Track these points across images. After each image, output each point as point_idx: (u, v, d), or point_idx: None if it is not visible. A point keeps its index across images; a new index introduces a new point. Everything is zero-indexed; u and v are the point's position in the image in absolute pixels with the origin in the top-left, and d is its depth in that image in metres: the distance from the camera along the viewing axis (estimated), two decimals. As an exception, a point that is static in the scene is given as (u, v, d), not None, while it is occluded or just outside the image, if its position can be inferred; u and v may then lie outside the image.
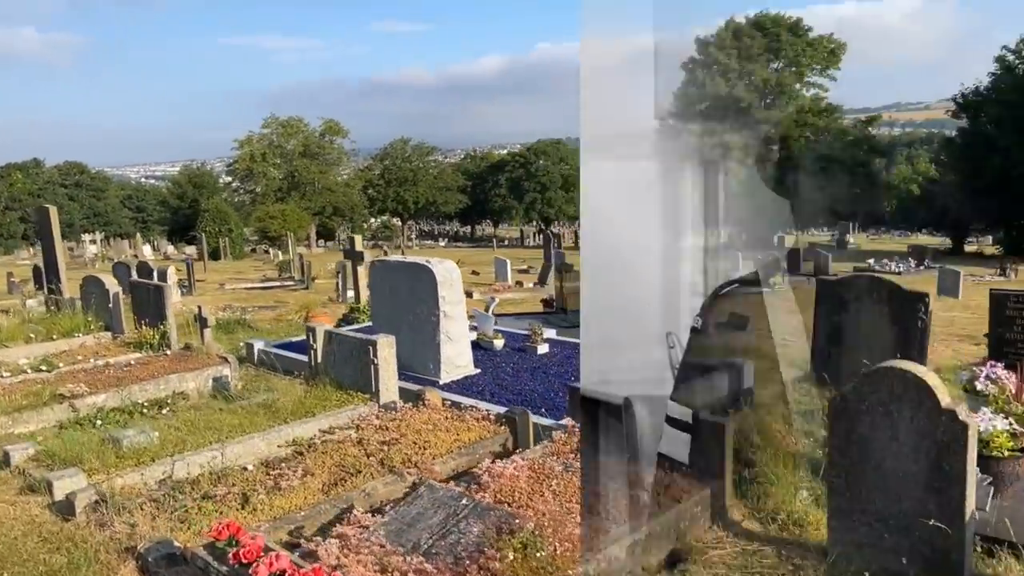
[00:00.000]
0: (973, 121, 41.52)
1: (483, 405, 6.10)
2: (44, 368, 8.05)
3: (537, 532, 3.55)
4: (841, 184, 45.38)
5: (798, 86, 47.14)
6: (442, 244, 64.49)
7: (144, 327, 9.19)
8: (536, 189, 72.00)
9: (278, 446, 5.72)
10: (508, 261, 22.40)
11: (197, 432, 6.07)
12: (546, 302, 14.41)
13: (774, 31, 46.80)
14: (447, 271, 7.45)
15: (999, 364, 5.45)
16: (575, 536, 3.57)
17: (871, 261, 29.53)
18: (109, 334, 9.95)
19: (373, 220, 69.67)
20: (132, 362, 8.20)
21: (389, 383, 6.33)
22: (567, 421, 5.11)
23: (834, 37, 47.91)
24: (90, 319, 10.06)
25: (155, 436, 5.88)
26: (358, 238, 11.31)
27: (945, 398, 3.42)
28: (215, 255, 40.08)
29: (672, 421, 4.48)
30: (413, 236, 63.74)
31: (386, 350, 6.24)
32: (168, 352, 8.56)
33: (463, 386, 7.32)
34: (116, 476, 4.99)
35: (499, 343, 8.46)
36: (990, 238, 44.62)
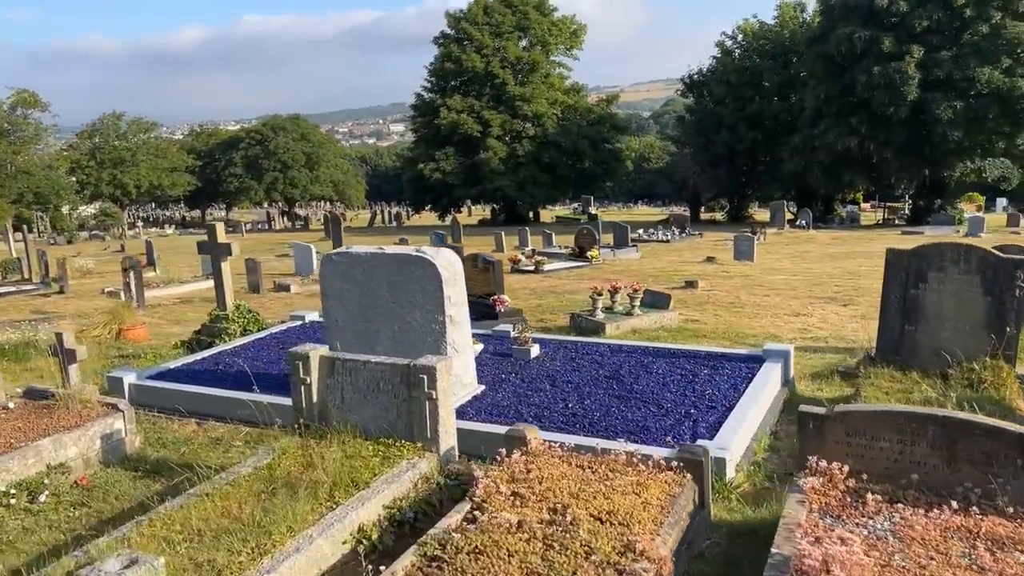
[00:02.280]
0: (698, 100, 46.02)
1: (589, 441, 4.66)
2: None
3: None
4: (590, 159, 47.91)
5: (547, 64, 48.57)
6: (170, 231, 57.49)
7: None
8: (277, 168, 67.04)
9: (342, 542, 3.81)
10: (312, 247, 19.91)
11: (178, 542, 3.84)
12: None
13: (522, 9, 47.73)
14: (450, 263, 5.70)
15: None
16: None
17: (640, 232, 31.15)
18: None
19: (85, 207, 59.99)
20: (-46, 428, 5.34)
21: (448, 424, 4.57)
22: (722, 450, 3.90)
23: (575, 19, 50.05)
24: None
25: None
26: (219, 226, 8.78)
27: None
28: None
29: None
30: (139, 224, 56.03)
31: (444, 378, 4.48)
32: (6, 405, 5.74)
33: (482, 410, 5.71)
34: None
35: (477, 348, 6.86)
36: (723, 206, 49.82)
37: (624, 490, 3.75)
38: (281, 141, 66.94)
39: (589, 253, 20.87)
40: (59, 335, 5.72)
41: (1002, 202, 43.09)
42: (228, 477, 4.32)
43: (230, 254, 8.60)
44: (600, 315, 9.55)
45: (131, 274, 13.59)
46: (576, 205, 57.77)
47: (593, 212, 53.00)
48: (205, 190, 68.24)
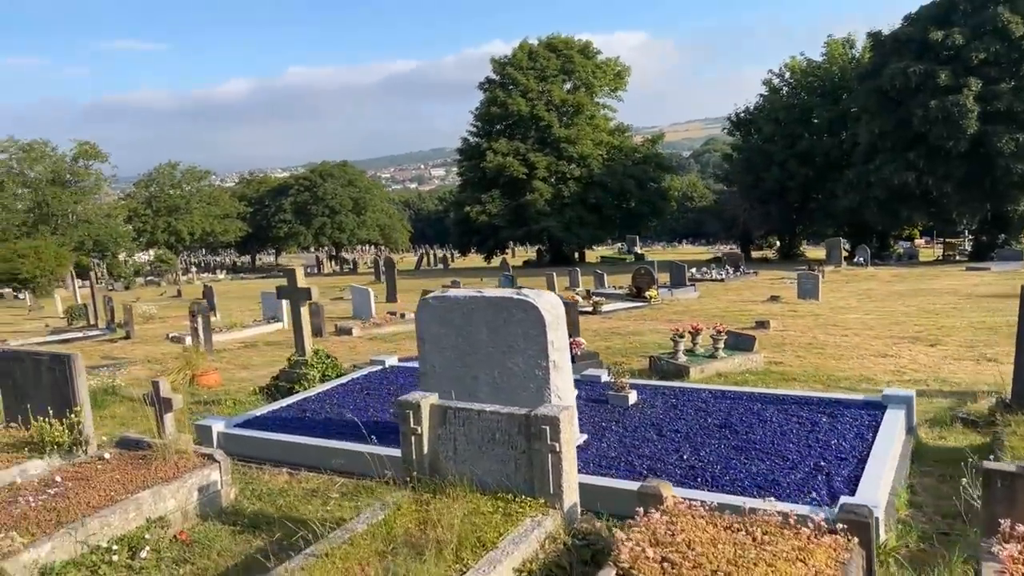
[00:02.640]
0: (745, 138, 45.71)
1: (733, 500, 4.33)
2: None
3: None
4: (636, 199, 47.73)
5: (591, 106, 48.85)
6: (222, 276, 58.59)
7: (33, 421, 6.09)
8: (325, 213, 68.21)
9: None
10: (370, 291, 19.92)
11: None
12: None
13: (566, 53, 48.23)
14: (552, 306, 5.47)
15: None
16: None
17: (693, 271, 30.67)
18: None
19: (141, 254, 61.57)
20: (57, 479, 5.22)
21: (571, 479, 4.29)
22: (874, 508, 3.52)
23: (619, 60, 50.38)
24: None
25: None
26: (298, 271, 8.70)
27: None
28: (-51, 305, 32.49)
29: None
30: (193, 270, 57.26)
31: (567, 429, 4.22)
32: (101, 455, 5.62)
33: (590, 461, 5.39)
34: None
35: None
36: (771, 244, 49.03)
37: (787, 557, 3.41)
38: (329, 187, 68.21)
39: (648, 293, 20.50)
40: (156, 384, 5.61)
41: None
42: (343, 535, 4.08)
43: (310, 298, 8.51)
44: (682, 358, 9.20)
45: (198, 319, 13.65)
46: (620, 245, 57.43)
47: (640, 252, 52.68)
48: (255, 235, 69.68)
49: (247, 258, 78.85)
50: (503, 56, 49.88)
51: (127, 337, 17.83)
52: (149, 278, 54.13)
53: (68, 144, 50.50)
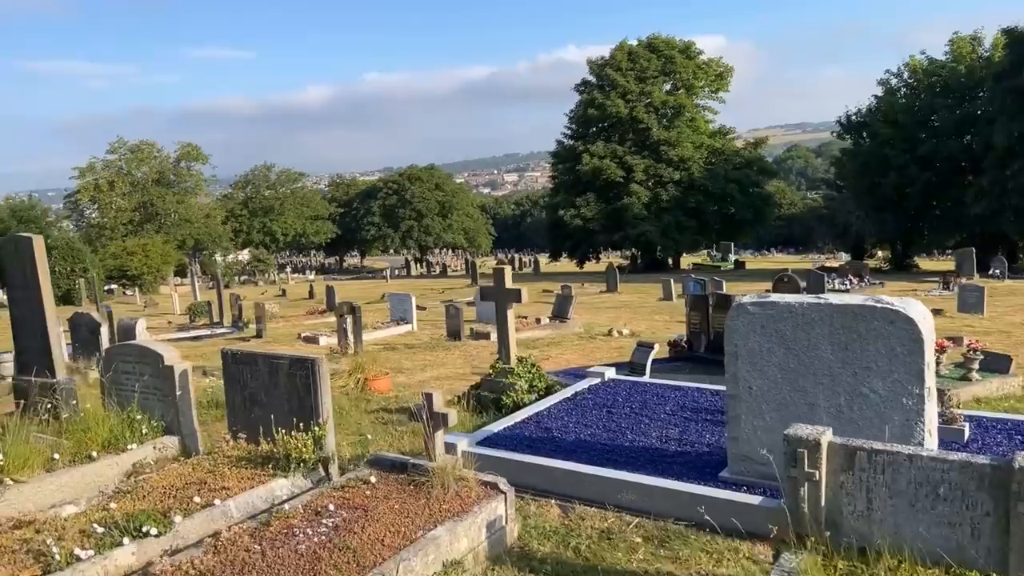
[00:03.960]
0: (857, 141, 43.39)
1: None
2: (130, 536, 4.20)
3: None
4: (739, 204, 45.97)
5: (692, 108, 47.36)
6: (312, 277, 59.29)
7: (273, 433, 5.42)
8: (412, 216, 68.48)
9: None
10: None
11: None
12: (675, 344, 11.05)
13: (667, 53, 46.88)
14: (924, 317, 4.47)
15: None
16: None
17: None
18: (174, 441, 6.03)
19: (236, 253, 62.97)
20: (329, 506, 4.48)
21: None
22: None
23: (722, 61, 48.71)
24: (137, 416, 6.02)
25: None
26: (507, 271, 7.94)
27: None
28: (66, 299, 33.37)
29: None
30: (288, 270, 58.13)
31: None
32: (366, 479, 4.87)
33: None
34: None
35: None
36: (872, 254, 46.54)
37: None
38: (416, 190, 68.46)
39: (792, 303, 19.14)
40: (428, 396, 4.85)
41: None
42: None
43: (519, 300, 7.72)
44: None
45: (347, 319, 13.10)
46: (713, 252, 55.58)
47: (739, 259, 50.79)
48: (343, 237, 70.48)
49: (332, 260, 79.94)
50: (600, 57, 48.87)
51: (259, 336, 17.55)
52: (244, 278, 55.21)
53: (172, 146, 51.84)
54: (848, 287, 27.66)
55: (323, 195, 72.85)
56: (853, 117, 43.60)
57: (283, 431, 5.32)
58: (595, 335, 15.93)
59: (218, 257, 59.84)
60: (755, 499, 4.54)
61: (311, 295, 31.54)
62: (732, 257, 53.61)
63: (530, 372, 7.83)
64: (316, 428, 5.31)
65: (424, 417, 4.81)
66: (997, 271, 32.36)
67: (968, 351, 8.23)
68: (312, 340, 16.65)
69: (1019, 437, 5.69)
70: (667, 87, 47.37)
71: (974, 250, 31.97)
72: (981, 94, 38.18)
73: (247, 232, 60.14)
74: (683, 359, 9.80)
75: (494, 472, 5.56)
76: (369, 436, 6.95)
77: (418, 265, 65.86)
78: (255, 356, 5.73)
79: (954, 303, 20.30)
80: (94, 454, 5.60)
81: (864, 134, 42.73)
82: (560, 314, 17.05)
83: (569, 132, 49.03)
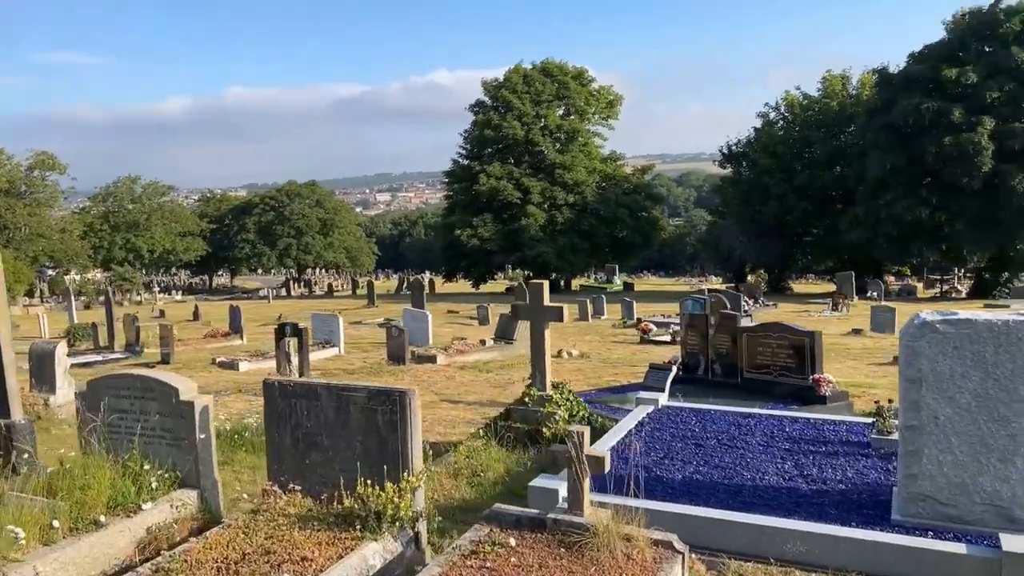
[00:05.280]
0: (737, 171, 45.61)
1: None
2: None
3: None
4: (629, 228, 47.03)
5: (585, 133, 48.19)
6: (179, 297, 55.18)
7: (323, 484, 4.35)
8: (291, 234, 65.47)
9: None
10: (428, 314, 18.15)
11: None
12: (660, 367, 10.32)
13: (561, 78, 47.54)
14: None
15: None
16: None
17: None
18: (192, 496, 4.80)
19: (93, 272, 57.59)
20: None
21: None
22: None
23: (612, 89, 49.91)
24: (146, 467, 4.72)
25: None
26: (544, 286, 7.02)
27: None
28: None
29: None
30: (155, 289, 53.75)
31: None
32: (503, 541, 3.91)
33: None
34: None
35: None
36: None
37: None
38: (296, 207, 65.59)
39: (723, 324, 19.38)
40: (576, 433, 3.91)
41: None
42: None
43: (560, 319, 6.91)
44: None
45: (290, 342, 11.74)
46: (598, 275, 56.62)
47: (628, 281, 51.91)
48: (215, 255, 66.32)
49: (199, 279, 75.07)
50: (494, 79, 48.87)
51: (165, 361, 15.64)
52: (103, 299, 50.50)
53: (24, 154, 46.83)
54: (747, 309, 28.56)
55: (192, 210, 68.29)
56: (733, 147, 45.83)
57: (366, 481, 4.29)
58: (545, 357, 15.29)
59: (73, 275, 54.57)
60: (960, 547, 4.01)
61: (196, 316, 29.09)
62: (617, 279, 54.85)
63: (568, 400, 7.04)
64: (407, 477, 4.31)
65: (572, 460, 3.94)
66: (874, 293, 34.66)
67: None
68: (230, 366, 15.03)
69: None
70: (560, 111, 47.95)
71: (853, 274, 34.05)
72: (851, 129, 41.14)
73: (108, 248, 55.18)
74: (681, 382, 9.30)
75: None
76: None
77: (297, 285, 62.92)
78: (315, 388, 4.65)
79: (850, 324, 21.35)
80: (101, 519, 4.31)
81: (744, 164, 44.95)
82: (505, 336, 16.31)
83: (464, 152, 48.59)
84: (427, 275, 73.92)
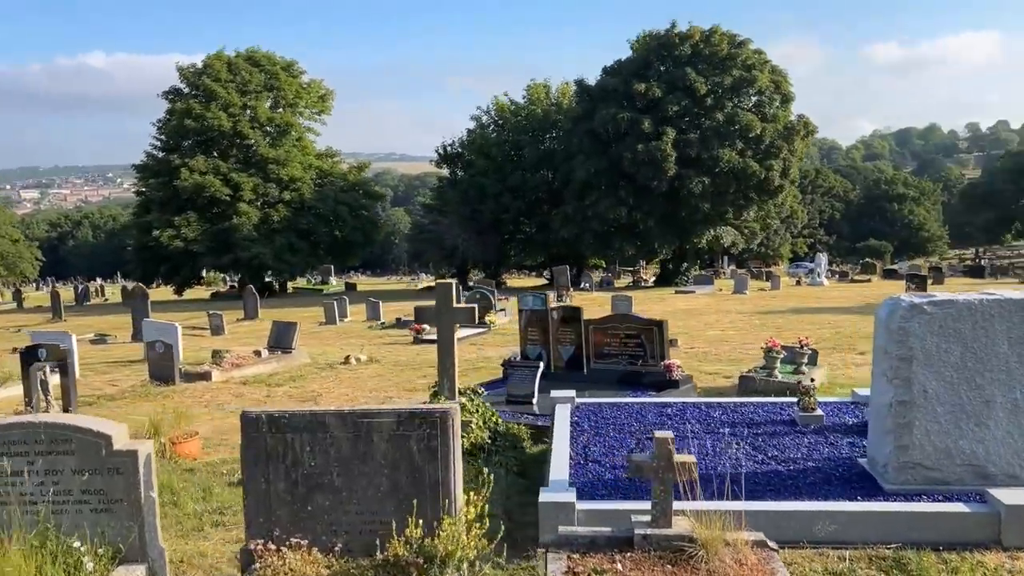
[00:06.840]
0: (452, 171, 47.09)
1: None
2: None
3: None
4: (350, 226, 46.01)
5: (299, 128, 46.10)
6: None
7: (330, 532, 3.53)
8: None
9: None
10: (177, 326, 15.83)
11: None
12: (518, 364, 9.93)
13: (270, 69, 44.97)
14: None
15: None
16: None
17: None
18: (141, 573, 3.59)
19: None
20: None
21: None
22: None
23: (323, 84, 48.35)
24: (75, 544, 3.34)
25: None
26: (453, 285, 6.19)
27: None
28: None
29: None
30: None
31: None
32: (596, 571, 3.43)
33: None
34: None
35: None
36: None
37: None
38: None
39: (488, 319, 19.85)
40: (661, 440, 3.50)
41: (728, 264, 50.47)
42: None
43: (472, 322, 6.34)
44: (779, 375, 8.99)
45: (40, 374, 9.44)
46: (316, 276, 54.74)
47: (351, 282, 50.81)
48: None
49: None
50: (192, 65, 44.57)
51: None
52: None
53: None
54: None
55: None
56: (449, 148, 47.16)
57: (417, 520, 3.55)
58: (333, 364, 14.26)
59: None
60: (960, 507, 4.46)
61: None
62: (333, 280, 53.42)
63: (480, 408, 6.55)
64: (461, 509, 3.66)
65: (656, 468, 3.61)
66: (586, 284, 38.08)
67: (799, 347, 9.42)
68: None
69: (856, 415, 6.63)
70: (268, 103, 45.23)
71: (567, 267, 37.05)
72: (553, 135, 44.65)
73: None
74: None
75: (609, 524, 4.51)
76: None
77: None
78: (322, 417, 3.72)
79: (589, 312, 23.22)
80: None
81: (460, 164, 46.48)
82: (281, 345, 14.88)
83: (160, 143, 43.60)
84: (98, 281, 65.10)
